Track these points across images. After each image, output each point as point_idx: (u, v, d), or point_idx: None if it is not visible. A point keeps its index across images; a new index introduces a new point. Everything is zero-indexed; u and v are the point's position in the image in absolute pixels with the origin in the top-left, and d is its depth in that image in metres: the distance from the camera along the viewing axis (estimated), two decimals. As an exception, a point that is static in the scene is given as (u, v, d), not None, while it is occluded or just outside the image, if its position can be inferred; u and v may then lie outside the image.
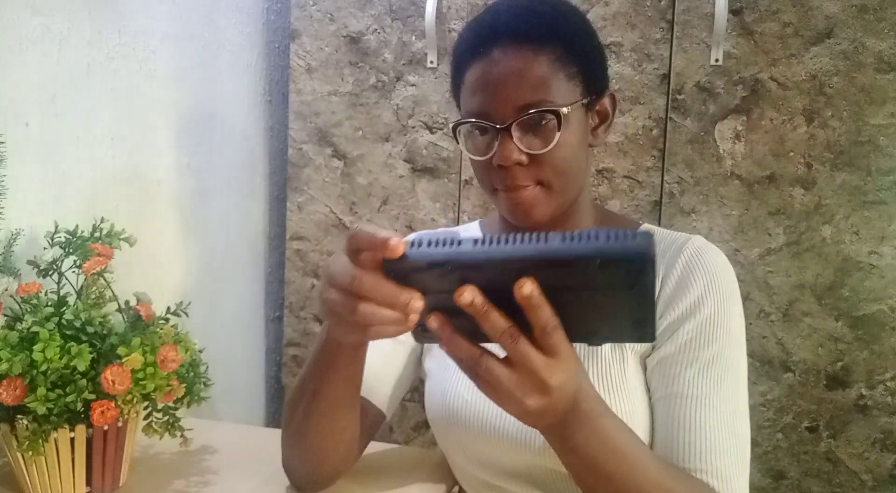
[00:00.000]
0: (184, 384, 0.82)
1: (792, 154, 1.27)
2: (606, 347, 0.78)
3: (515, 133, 0.73)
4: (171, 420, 0.84)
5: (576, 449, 0.60)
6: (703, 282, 0.77)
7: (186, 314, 0.87)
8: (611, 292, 0.48)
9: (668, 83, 1.31)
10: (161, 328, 0.83)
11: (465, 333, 0.52)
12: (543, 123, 0.73)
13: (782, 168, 1.27)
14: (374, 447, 1.00)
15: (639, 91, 1.32)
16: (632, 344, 0.78)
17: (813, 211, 1.26)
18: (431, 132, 1.45)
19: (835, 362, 1.27)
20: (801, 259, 1.27)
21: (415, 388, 1.49)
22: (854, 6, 1.22)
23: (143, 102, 1.20)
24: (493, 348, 0.52)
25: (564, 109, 0.73)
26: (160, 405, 0.83)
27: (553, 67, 0.73)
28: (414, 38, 1.45)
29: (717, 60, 1.28)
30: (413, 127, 1.46)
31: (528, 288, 0.47)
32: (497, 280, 0.48)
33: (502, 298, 0.48)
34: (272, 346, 1.68)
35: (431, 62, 1.43)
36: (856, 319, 1.26)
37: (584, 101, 0.76)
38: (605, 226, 0.84)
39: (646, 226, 0.86)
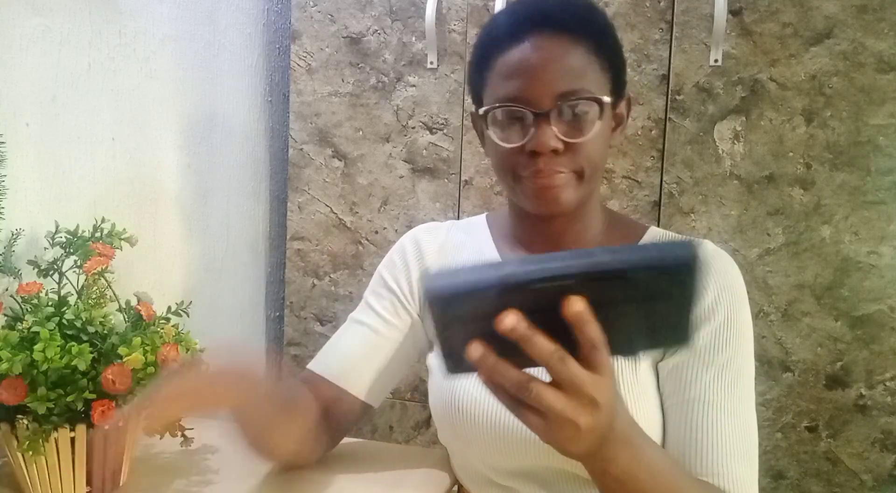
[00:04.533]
0: (184, 384, 0.82)
1: (791, 154, 1.27)
2: None
3: (554, 120, 0.73)
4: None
5: (618, 474, 0.58)
6: (717, 288, 0.77)
7: (187, 314, 0.87)
8: (656, 302, 0.47)
9: (668, 84, 1.31)
10: (162, 328, 0.83)
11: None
12: (582, 111, 0.73)
13: (781, 168, 1.27)
14: (375, 446, 1.00)
15: (638, 92, 1.33)
16: (645, 352, 0.78)
17: (812, 211, 1.26)
18: (431, 133, 1.46)
19: (834, 362, 1.27)
20: (801, 259, 1.28)
21: (414, 387, 1.49)
22: (854, 6, 1.22)
23: (144, 102, 1.20)
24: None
25: (606, 98, 0.74)
26: (160, 405, 0.83)
27: (589, 58, 0.74)
28: (414, 38, 1.45)
29: (716, 61, 1.28)
30: (413, 127, 1.47)
31: (579, 305, 0.46)
32: (539, 301, 0.46)
33: (542, 319, 0.47)
34: (272, 345, 1.68)
35: (431, 63, 1.43)
36: (855, 319, 1.26)
37: (611, 99, 0.77)
38: (613, 228, 0.85)
39: (653, 229, 0.86)
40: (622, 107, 0.81)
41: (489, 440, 0.79)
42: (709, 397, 0.74)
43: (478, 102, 0.81)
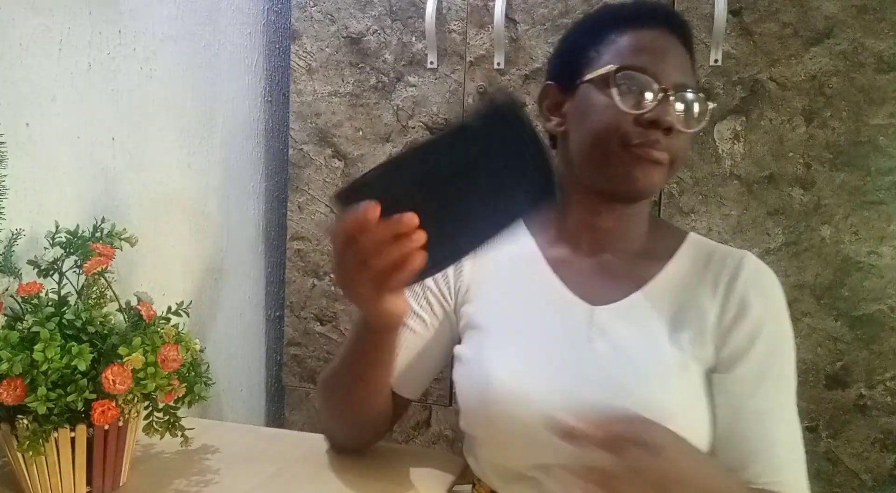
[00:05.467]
0: (184, 384, 0.82)
1: (791, 154, 1.27)
2: (670, 354, 0.79)
3: (674, 101, 0.77)
4: (171, 420, 0.84)
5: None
6: (764, 301, 0.81)
7: (187, 314, 0.87)
8: (506, 151, 0.55)
9: (668, 83, 1.31)
10: (162, 328, 0.83)
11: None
12: (695, 106, 0.79)
13: (781, 168, 1.27)
14: (375, 446, 1.00)
15: (638, 91, 1.33)
16: (693, 355, 0.79)
17: (812, 211, 1.26)
18: (431, 133, 1.46)
19: (834, 362, 1.27)
20: (801, 259, 1.28)
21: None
22: (854, 6, 1.22)
23: (144, 102, 1.20)
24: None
25: (712, 104, 0.82)
26: (161, 405, 0.83)
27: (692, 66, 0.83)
28: (414, 39, 1.45)
29: (716, 61, 1.28)
30: (413, 128, 1.47)
31: (577, 428, 0.62)
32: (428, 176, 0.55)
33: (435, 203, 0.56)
34: (272, 346, 1.68)
35: (431, 63, 1.43)
36: (855, 319, 1.26)
37: None
38: (655, 232, 0.89)
39: (692, 235, 0.88)
40: None
41: (525, 430, 0.78)
42: (765, 407, 0.78)
43: (570, 71, 0.84)
